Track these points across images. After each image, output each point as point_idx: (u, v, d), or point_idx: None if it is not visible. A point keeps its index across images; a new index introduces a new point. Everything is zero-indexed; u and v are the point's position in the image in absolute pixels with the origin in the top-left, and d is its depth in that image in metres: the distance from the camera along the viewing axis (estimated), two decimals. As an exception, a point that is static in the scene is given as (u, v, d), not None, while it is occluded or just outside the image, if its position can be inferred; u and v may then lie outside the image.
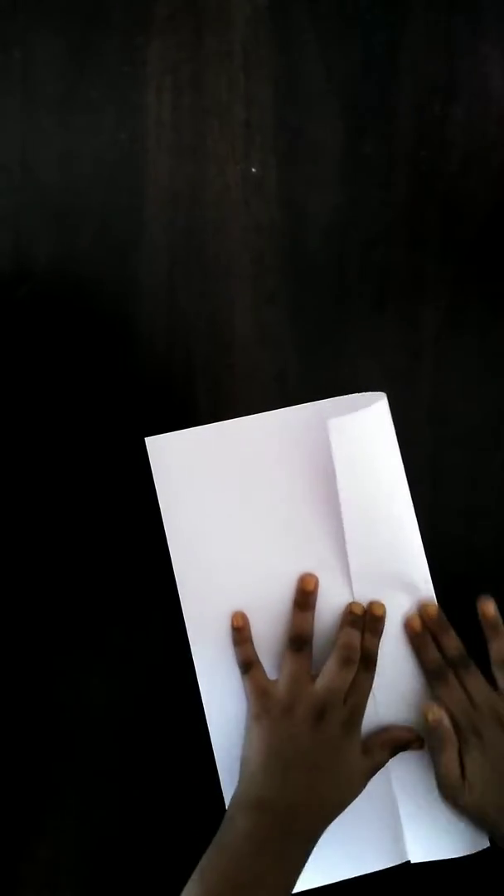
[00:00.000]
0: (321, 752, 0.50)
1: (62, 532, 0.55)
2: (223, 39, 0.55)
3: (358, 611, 0.53)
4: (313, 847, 0.49)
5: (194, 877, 0.47)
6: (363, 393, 0.54)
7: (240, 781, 0.50)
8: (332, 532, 0.54)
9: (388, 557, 0.54)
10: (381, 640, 0.53)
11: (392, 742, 0.52)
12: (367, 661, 0.52)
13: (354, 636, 0.52)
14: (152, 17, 0.55)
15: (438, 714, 0.51)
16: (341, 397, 0.54)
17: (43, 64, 0.55)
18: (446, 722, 0.51)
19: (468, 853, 0.53)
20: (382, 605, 0.54)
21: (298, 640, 0.52)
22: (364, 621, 0.53)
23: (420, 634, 0.53)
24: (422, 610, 0.54)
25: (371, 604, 0.54)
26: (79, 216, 0.55)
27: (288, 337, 0.55)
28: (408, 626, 0.54)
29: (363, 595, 0.54)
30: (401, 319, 0.56)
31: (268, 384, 0.55)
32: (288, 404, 0.55)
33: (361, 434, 0.53)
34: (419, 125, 0.55)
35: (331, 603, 0.54)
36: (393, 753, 0.52)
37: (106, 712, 0.55)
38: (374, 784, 0.52)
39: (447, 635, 0.53)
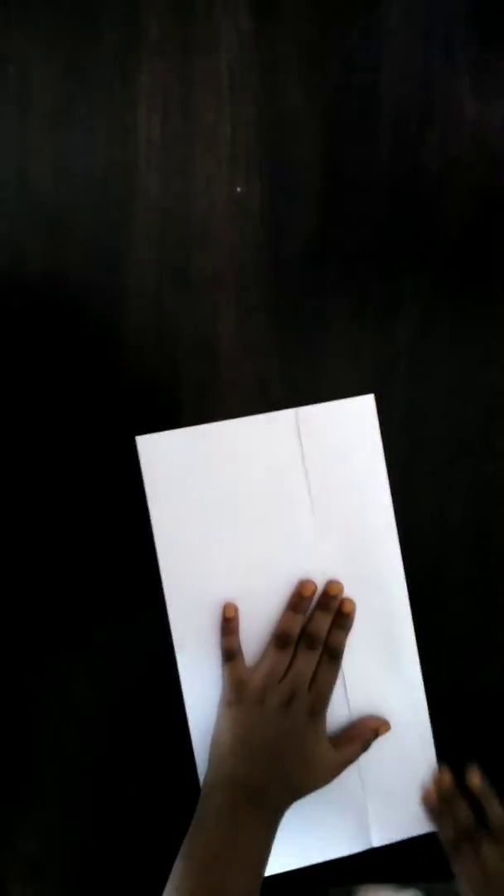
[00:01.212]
0: (287, 738, 0.53)
1: (49, 527, 0.57)
2: (210, 62, 0.57)
3: (306, 592, 0.56)
4: (280, 819, 0.52)
5: (180, 854, 0.50)
6: (352, 398, 0.57)
7: (210, 763, 0.53)
8: (315, 533, 0.56)
9: (365, 560, 0.57)
10: (353, 637, 0.56)
11: (362, 737, 0.55)
12: (332, 654, 0.55)
13: (292, 620, 0.55)
14: (143, 40, 0.57)
15: (447, 777, 0.56)
16: (332, 402, 0.57)
17: (37, 81, 0.57)
18: (466, 819, 0.55)
19: (426, 832, 0.56)
20: (339, 585, 0.56)
21: (283, 638, 0.55)
22: (321, 603, 0.56)
23: (438, 809, 0.56)
24: (437, 778, 0.56)
25: (328, 583, 0.56)
26: (70, 229, 0.57)
27: (270, 346, 0.58)
28: (425, 802, 0.56)
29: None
30: (377, 330, 0.58)
31: (251, 391, 0.58)
32: (270, 410, 0.57)
33: (346, 434, 0.56)
34: (396, 147, 0.58)
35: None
36: (364, 748, 0.55)
37: (89, 705, 0.57)
38: (343, 774, 0.55)
39: (459, 806, 0.55)
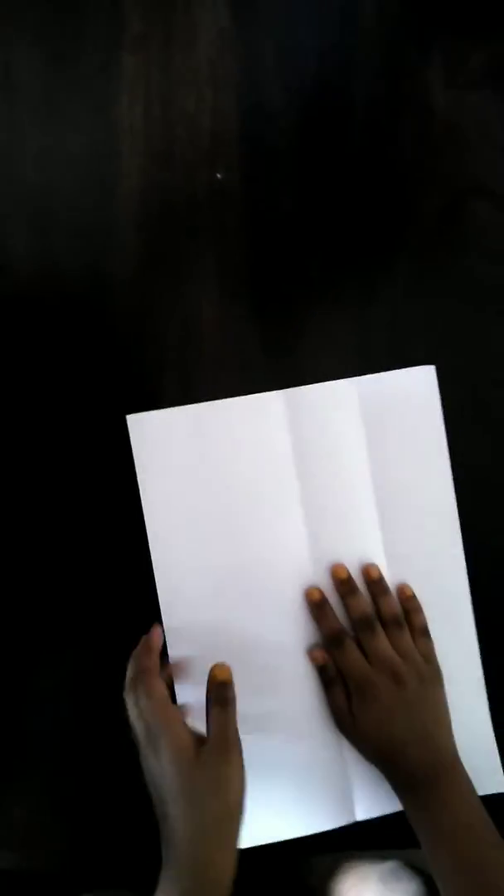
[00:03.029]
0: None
1: (37, 505, 0.58)
2: (191, 55, 0.60)
3: (316, 597, 0.57)
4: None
5: None
6: (410, 368, 0.59)
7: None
8: (315, 513, 0.58)
9: (422, 546, 0.58)
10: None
11: (216, 699, 0.51)
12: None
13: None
14: (125, 33, 0.59)
15: (320, 658, 0.56)
16: (386, 373, 0.59)
17: (23, 73, 0.59)
18: (331, 663, 0.56)
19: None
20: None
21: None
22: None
23: (320, 605, 0.57)
24: (364, 570, 0.57)
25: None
26: (55, 215, 0.59)
27: (251, 329, 0.60)
28: (308, 598, 0.57)
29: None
30: (355, 316, 0.60)
31: (232, 373, 0.59)
32: (252, 391, 0.58)
33: (403, 406, 0.58)
34: (370, 136, 0.60)
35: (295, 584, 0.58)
36: (222, 704, 0.51)
37: (78, 677, 0.58)
38: (326, 749, 0.56)
39: (355, 598, 0.57)
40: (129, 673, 0.52)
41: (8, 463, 0.58)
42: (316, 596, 0.57)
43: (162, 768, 0.48)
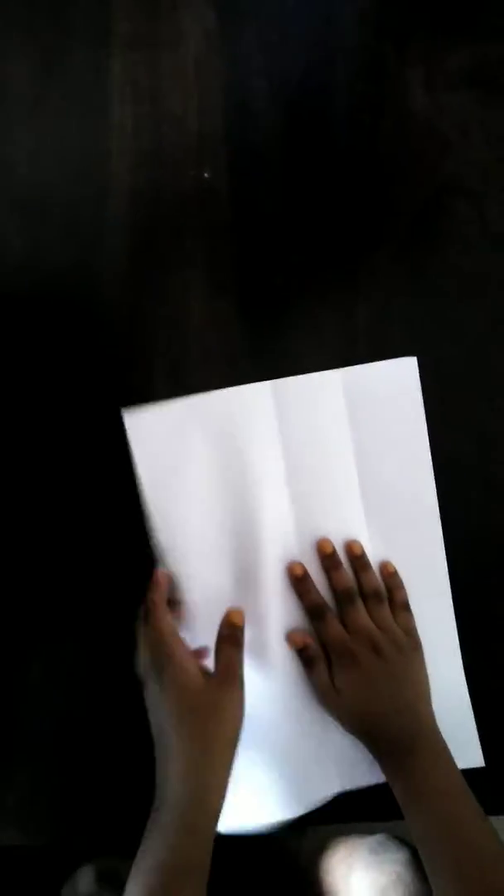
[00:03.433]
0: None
1: (33, 498, 0.60)
2: (178, 56, 0.61)
3: (299, 572, 0.59)
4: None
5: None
6: (392, 360, 0.61)
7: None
8: (301, 496, 0.60)
9: (403, 527, 0.60)
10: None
11: (228, 638, 0.55)
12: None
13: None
14: (113, 35, 0.61)
15: (299, 640, 0.58)
16: (369, 364, 0.61)
17: (14, 75, 0.60)
18: (311, 643, 0.58)
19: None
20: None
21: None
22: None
23: (302, 579, 0.59)
24: (346, 547, 0.59)
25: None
26: (47, 212, 0.60)
27: (237, 323, 0.61)
28: (290, 572, 0.59)
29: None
30: (339, 308, 0.62)
31: (219, 365, 0.61)
32: (238, 383, 0.60)
33: (386, 395, 0.60)
34: (352, 136, 0.62)
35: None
36: (232, 643, 0.55)
37: (76, 662, 0.59)
38: (311, 722, 0.58)
39: (338, 572, 0.59)
40: (141, 611, 0.55)
41: (2, 456, 0.60)
42: (298, 571, 0.59)
43: (165, 694, 0.51)
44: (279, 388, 0.60)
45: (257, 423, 0.60)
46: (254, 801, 0.57)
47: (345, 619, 0.58)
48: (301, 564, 0.59)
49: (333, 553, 0.59)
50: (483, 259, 0.63)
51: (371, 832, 0.65)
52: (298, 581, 0.59)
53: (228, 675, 0.53)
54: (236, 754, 0.52)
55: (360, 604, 0.58)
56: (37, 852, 0.56)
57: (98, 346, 0.60)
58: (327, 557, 0.59)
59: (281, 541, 0.60)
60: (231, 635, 0.55)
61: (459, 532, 0.61)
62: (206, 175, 0.61)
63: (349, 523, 0.60)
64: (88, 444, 0.60)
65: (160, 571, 0.57)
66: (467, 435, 0.62)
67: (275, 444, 0.60)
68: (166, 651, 0.52)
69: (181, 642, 0.53)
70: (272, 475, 0.60)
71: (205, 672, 0.53)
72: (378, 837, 0.64)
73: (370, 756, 0.56)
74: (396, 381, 0.61)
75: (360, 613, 0.58)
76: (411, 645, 0.58)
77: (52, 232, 0.60)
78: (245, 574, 0.59)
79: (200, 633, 0.58)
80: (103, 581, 0.60)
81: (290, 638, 0.58)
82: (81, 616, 0.60)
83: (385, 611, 0.58)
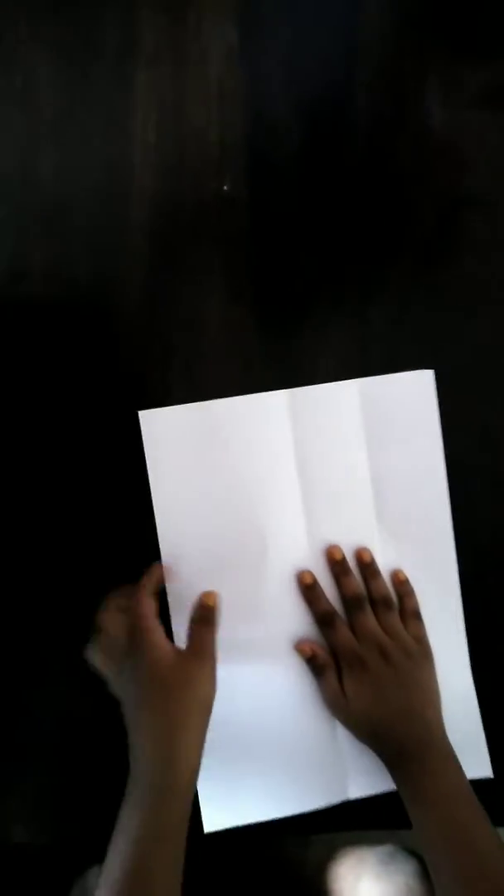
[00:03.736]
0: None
1: (49, 497, 0.61)
2: (201, 72, 0.63)
3: (309, 580, 0.60)
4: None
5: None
6: (409, 372, 0.62)
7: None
8: (314, 504, 0.60)
9: (416, 536, 0.61)
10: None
11: (201, 618, 0.57)
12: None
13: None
14: (139, 52, 0.62)
15: (308, 649, 0.58)
16: (386, 375, 0.62)
17: (41, 89, 0.62)
18: (320, 652, 0.58)
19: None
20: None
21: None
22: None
23: (311, 587, 0.59)
24: (356, 554, 0.60)
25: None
26: (71, 222, 0.62)
27: (254, 330, 0.62)
28: (299, 581, 0.59)
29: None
30: (352, 317, 0.63)
31: (235, 372, 0.62)
32: (253, 391, 0.61)
33: (402, 406, 0.61)
34: (371, 152, 0.64)
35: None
36: (203, 623, 0.57)
37: (85, 661, 0.59)
38: (320, 729, 0.58)
39: (347, 578, 0.59)
40: (122, 590, 0.57)
41: (21, 456, 0.61)
42: (308, 579, 0.59)
43: (139, 671, 0.53)
44: (296, 396, 0.61)
45: (272, 430, 0.61)
46: (263, 797, 0.58)
47: (354, 626, 0.58)
48: (311, 573, 0.59)
49: (343, 560, 0.59)
50: (497, 271, 0.64)
51: (379, 842, 0.64)
52: (308, 589, 0.59)
53: (200, 651, 0.56)
54: (207, 724, 0.53)
55: (369, 610, 0.58)
56: (45, 851, 0.57)
57: (117, 351, 0.62)
58: (336, 564, 0.59)
59: (291, 547, 0.60)
60: (203, 616, 0.57)
61: (471, 542, 0.61)
62: (225, 187, 0.62)
63: (361, 532, 0.61)
64: (106, 445, 0.61)
65: (159, 564, 0.59)
66: (480, 444, 0.62)
67: (289, 451, 0.61)
68: (145, 629, 0.54)
69: (159, 624, 0.55)
70: (285, 482, 0.60)
71: (178, 650, 0.55)
72: (387, 848, 0.64)
73: (381, 765, 0.56)
74: (413, 392, 0.62)
75: (369, 619, 0.58)
76: (421, 652, 0.58)
77: (76, 241, 0.62)
78: (252, 580, 0.60)
79: None
80: (111, 582, 0.60)
81: (299, 647, 0.59)
82: (89, 616, 0.60)
83: (394, 618, 0.58)
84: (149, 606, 0.55)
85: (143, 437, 0.60)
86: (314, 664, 0.58)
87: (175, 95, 0.62)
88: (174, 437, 0.60)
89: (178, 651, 0.55)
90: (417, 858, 0.62)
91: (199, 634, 0.57)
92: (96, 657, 0.56)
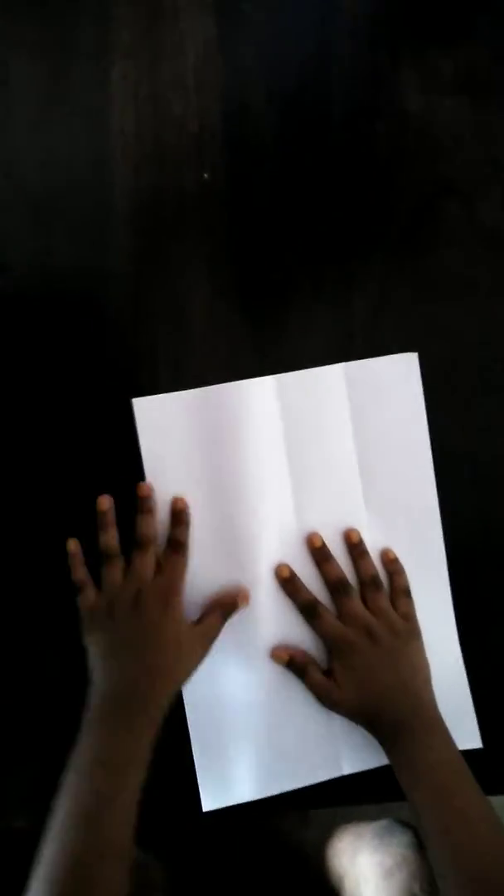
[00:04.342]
0: (144, 633, 0.56)
1: (40, 487, 0.61)
2: (177, 63, 0.63)
3: (286, 573, 0.60)
4: (163, 714, 0.55)
5: (69, 764, 0.52)
6: (394, 355, 0.63)
7: (90, 688, 0.56)
8: (303, 486, 0.61)
9: (403, 516, 0.62)
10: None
11: (219, 606, 0.59)
12: (175, 546, 0.59)
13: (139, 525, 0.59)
14: (116, 45, 0.63)
15: (283, 655, 0.59)
16: (371, 359, 0.63)
17: (21, 82, 0.62)
18: (295, 653, 0.59)
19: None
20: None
21: (107, 551, 0.59)
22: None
23: (289, 580, 0.60)
24: (345, 535, 0.61)
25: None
26: (54, 216, 0.62)
27: (238, 320, 0.63)
28: (277, 575, 0.60)
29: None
30: (336, 305, 0.64)
31: (221, 362, 0.62)
32: (239, 379, 0.62)
33: (387, 389, 0.62)
34: (348, 139, 0.64)
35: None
36: (224, 617, 0.58)
37: (84, 651, 0.60)
38: (313, 705, 0.59)
39: (329, 564, 0.60)
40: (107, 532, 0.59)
41: (12, 447, 0.61)
42: (285, 572, 0.60)
43: (152, 623, 0.56)
44: (283, 381, 0.62)
45: (261, 415, 0.62)
46: (256, 774, 0.59)
47: (340, 611, 0.59)
48: (287, 566, 0.60)
49: (323, 546, 0.60)
50: (474, 257, 0.65)
51: (376, 817, 0.66)
52: (286, 582, 0.60)
53: (209, 633, 0.58)
54: (179, 691, 0.57)
55: (353, 593, 0.59)
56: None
57: (103, 344, 0.62)
58: (317, 550, 0.60)
59: (282, 529, 0.61)
60: (228, 604, 0.59)
61: (457, 521, 0.63)
62: (205, 176, 0.63)
63: (350, 514, 0.62)
64: (96, 437, 0.61)
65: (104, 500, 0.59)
66: (462, 429, 0.64)
67: (278, 435, 0.61)
68: (175, 591, 0.57)
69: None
70: (275, 466, 0.61)
71: (191, 626, 0.57)
72: (383, 822, 0.65)
73: (373, 740, 0.58)
74: (398, 375, 0.63)
75: (354, 602, 0.59)
76: (409, 629, 0.59)
77: (59, 235, 0.62)
78: (243, 564, 0.61)
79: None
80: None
81: (274, 656, 0.60)
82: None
83: (381, 597, 0.59)
84: (182, 573, 0.58)
85: (137, 424, 0.60)
86: (294, 666, 0.59)
87: (153, 88, 0.63)
88: (167, 424, 0.61)
89: (191, 626, 0.57)
90: (413, 830, 0.64)
91: (215, 618, 0.58)
92: (89, 602, 0.57)
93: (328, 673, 0.59)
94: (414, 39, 0.65)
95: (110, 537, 0.59)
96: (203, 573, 0.60)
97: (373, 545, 0.62)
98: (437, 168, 0.65)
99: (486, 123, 0.65)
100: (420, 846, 0.62)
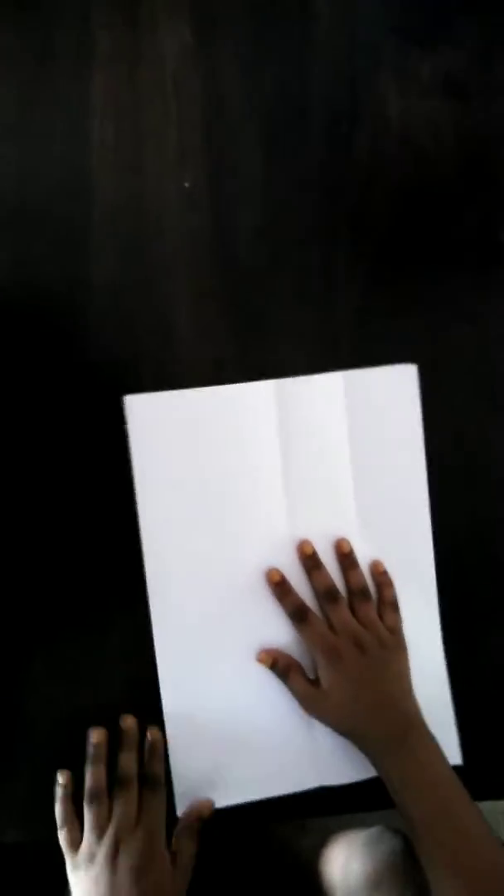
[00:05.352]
0: (127, 881, 0.54)
1: (29, 490, 0.61)
2: (156, 71, 0.63)
3: (275, 577, 0.60)
4: None
5: None
6: (393, 365, 0.62)
7: None
8: (296, 494, 0.61)
9: (394, 528, 0.62)
10: None
11: (185, 829, 0.57)
12: (152, 783, 0.57)
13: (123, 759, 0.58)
14: (94, 53, 0.62)
15: (268, 658, 0.59)
16: (370, 368, 0.62)
17: (-1, 93, 0.62)
18: (279, 656, 0.59)
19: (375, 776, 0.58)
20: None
21: (93, 791, 0.57)
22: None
23: (280, 584, 0.60)
24: (336, 544, 0.61)
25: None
26: (35, 225, 0.62)
27: (221, 328, 0.63)
28: (268, 579, 0.60)
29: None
30: (320, 311, 0.64)
31: (204, 369, 0.62)
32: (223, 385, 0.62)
33: (385, 399, 0.62)
34: (329, 145, 0.64)
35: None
36: (196, 835, 0.57)
37: (73, 662, 0.60)
38: (297, 721, 0.59)
39: (319, 572, 0.60)
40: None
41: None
42: (276, 577, 0.60)
43: (133, 872, 0.53)
44: (282, 387, 0.61)
45: (258, 419, 0.61)
46: (240, 782, 0.59)
47: (329, 618, 0.59)
48: (278, 570, 0.60)
49: (313, 554, 0.60)
50: (458, 263, 0.65)
51: (372, 823, 0.66)
52: (277, 586, 0.60)
53: (186, 861, 0.56)
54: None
55: (342, 602, 0.59)
56: (41, 851, 0.57)
57: (86, 354, 0.62)
58: (308, 558, 0.60)
59: (272, 535, 0.61)
60: (194, 821, 0.57)
61: (447, 535, 0.63)
62: (186, 185, 0.63)
63: (340, 522, 0.62)
64: (78, 450, 0.61)
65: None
66: (453, 439, 0.64)
67: (273, 440, 0.61)
68: (156, 838, 0.55)
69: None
70: (268, 470, 0.61)
71: (173, 871, 0.55)
72: (373, 830, 0.65)
73: (348, 755, 0.58)
74: (396, 386, 0.63)
75: (343, 611, 0.59)
76: (395, 642, 0.59)
77: (39, 245, 0.62)
78: (233, 569, 0.61)
79: (176, 629, 0.59)
80: (108, 576, 0.61)
81: (259, 659, 0.59)
82: (84, 610, 0.61)
83: (369, 608, 0.59)
84: (161, 807, 0.57)
85: (128, 423, 0.60)
86: (277, 669, 0.59)
87: (131, 96, 0.62)
88: (158, 424, 0.60)
89: (171, 869, 0.55)
90: (402, 836, 0.64)
91: (188, 847, 0.56)
92: (72, 843, 0.56)
93: (314, 681, 0.58)
94: (393, 44, 0.65)
95: (98, 777, 0.57)
96: (192, 575, 0.60)
97: (363, 556, 0.61)
98: (419, 172, 0.65)
99: (467, 126, 0.65)
100: (409, 852, 0.62)
